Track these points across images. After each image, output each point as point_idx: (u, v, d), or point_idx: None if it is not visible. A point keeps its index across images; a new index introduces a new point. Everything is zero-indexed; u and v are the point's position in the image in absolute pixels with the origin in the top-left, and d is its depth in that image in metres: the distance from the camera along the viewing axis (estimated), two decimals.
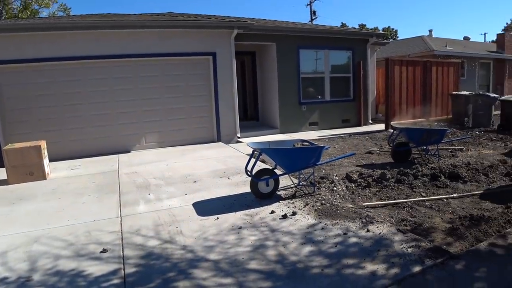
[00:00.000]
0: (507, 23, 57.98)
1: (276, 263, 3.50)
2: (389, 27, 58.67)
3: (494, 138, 10.54)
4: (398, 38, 49.16)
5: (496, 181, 6.32)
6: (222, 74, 10.31)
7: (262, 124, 13.01)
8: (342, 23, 56.36)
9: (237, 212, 4.87)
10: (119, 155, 9.10)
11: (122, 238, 4.18)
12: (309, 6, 39.22)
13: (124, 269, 3.48)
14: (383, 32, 17.47)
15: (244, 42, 10.98)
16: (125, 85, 9.49)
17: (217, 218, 4.66)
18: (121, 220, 4.76)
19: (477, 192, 5.68)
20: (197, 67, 10.20)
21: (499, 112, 12.63)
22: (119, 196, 5.79)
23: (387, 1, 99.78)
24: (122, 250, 3.86)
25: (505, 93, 20.06)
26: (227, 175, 6.82)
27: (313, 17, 38.35)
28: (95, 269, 3.50)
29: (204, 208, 5.09)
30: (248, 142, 5.97)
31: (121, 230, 4.43)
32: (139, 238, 4.18)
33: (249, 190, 5.51)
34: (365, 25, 54.65)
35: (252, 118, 13.49)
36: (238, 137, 10.74)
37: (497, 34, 24.71)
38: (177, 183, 6.43)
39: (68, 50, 8.86)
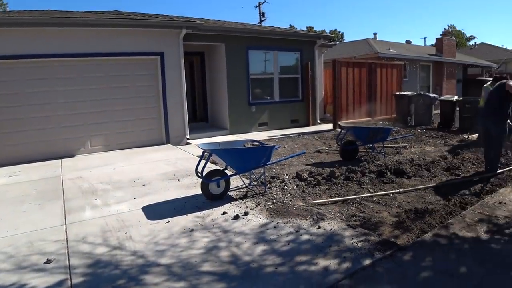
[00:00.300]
0: (444, 29, 61.63)
1: (230, 264, 3.49)
2: (336, 29, 60.53)
3: (434, 136, 11.16)
4: (345, 41, 50.68)
5: (437, 176, 6.69)
6: (171, 75, 10.12)
7: (211, 125, 12.93)
8: (290, 25, 57.41)
9: (188, 215, 4.80)
10: (62, 160, 8.66)
11: (67, 247, 3.97)
12: (258, 8, 39.57)
13: (70, 280, 3.31)
14: (330, 35, 17.96)
15: (193, 42, 10.85)
16: (69, 85, 9.03)
17: (168, 222, 4.57)
18: (66, 228, 4.51)
19: (421, 187, 5.99)
20: (145, 67, 9.93)
21: (439, 111, 13.39)
22: (63, 203, 5.50)
23: (334, 5, 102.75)
24: (68, 260, 3.67)
25: (444, 94, 21.26)
26: (177, 178, 6.71)
27: (262, 19, 38.80)
28: (39, 281, 3.30)
29: (154, 211, 4.97)
30: (198, 143, 5.90)
31: (66, 238, 4.21)
32: (86, 246, 4.00)
33: (200, 192, 5.45)
34: (313, 28, 55.86)
35: (201, 119, 13.36)
36: (188, 139, 10.59)
37: (436, 39, 26.20)
38: (125, 187, 6.23)
39: (5, 48, 8.30)
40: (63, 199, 5.71)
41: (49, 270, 3.48)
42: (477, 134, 9.97)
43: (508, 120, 6.60)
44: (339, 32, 60.76)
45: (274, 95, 13.06)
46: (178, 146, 9.95)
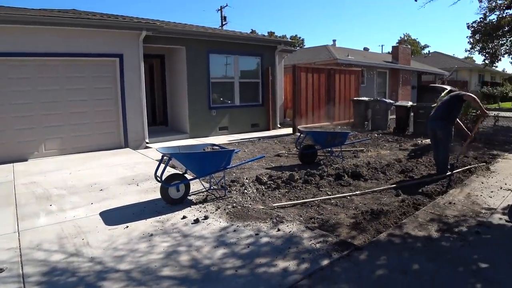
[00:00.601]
0: (400, 37, 64.18)
1: (190, 268, 3.48)
2: (296, 35, 61.51)
3: (390, 140, 11.57)
4: (305, 46, 51.60)
5: (393, 178, 6.96)
6: (130, 77, 9.92)
7: (171, 129, 12.78)
8: (252, 29, 57.66)
9: (147, 219, 4.73)
10: (14, 164, 8.25)
11: (21, 255, 3.80)
12: (219, 11, 39.53)
13: None
14: (290, 40, 18.25)
15: (153, 44, 10.70)
16: (22, 86, 8.61)
17: (127, 227, 4.49)
18: (19, 236, 4.31)
19: (377, 189, 6.20)
20: (103, 69, 9.67)
21: (395, 116, 13.91)
22: (16, 209, 5.25)
23: (296, 11, 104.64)
24: (22, 268, 3.51)
25: (399, 99, 22.12)
26: (135, 182, 6.59)
27: (224, 23, 38.70)
28: None
29: (113, 217, 4.86)
30: (157, 147, 5.83)
31: (20, 246, 4.02)
32: (41, 253, 3.84)
33: (160, 196, 5.39)
34: (274, 33, 56.58)
35: (161, 123, 13.18)
36: (147, 143, 10.42)
37: (392, 47, 27.26)
38: (82, 192, 6.04)
39: None
40: (16, 205, 5.45)
41: (1, 280, 3.33)
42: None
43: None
44: (300, 38, 61.83)
45: (234, 99, 13.09)
46: (137, 150, 9.76)
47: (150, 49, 10.87)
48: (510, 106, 25.21)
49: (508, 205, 5.23)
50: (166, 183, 5.21)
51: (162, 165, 5.40)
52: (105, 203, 5.41)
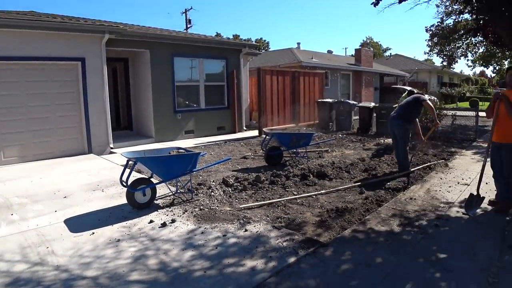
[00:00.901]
0: (363, 40, 65.78)
1: (159, 271, 3.47)
2: (261, 38, 61.79)
3: (354, 140, 11.86)
4: (270, 49, 52.02)
5: (357, 177, 7.16)
6: (92, 82, 9.70)
7: (136, 133, 12.58)
8: (217, 32, 57.69)
9: (114, 225, 4.67)
10: None
11: None
12: (184, 14, 39.24)
13: None
14: (255, 43, 18.34)
15: (117, 48, 10.51)
16: None
17: (93, 233, 4.41)
18: None
19: (341, 187, 6.36)
20: (65, 73, 9.39)
21: (358, 117, 14.27)
22: None
23: (261, 14, 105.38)
24: None
25: (362, 100, 22.67)
26: (101, 188, 6.46)
27: (189, 26, 38.47)
28: None
29: (78, 224, 4.75)
30: (122, 152, 5.75)
31: None
32: (3, 264, 3.71)
33: (126, 202, 5.32)
34: (239, 36, 56.59)
35: (125, 127, 12.95)
36: (111, 148, 10.23)
37: (355, 49, 27.88)
38: (44, 200, 5.86)
39: None
40: None
41: None
42: None
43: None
44: (265, 40, 62.21)
45: (200, 103, 13.04)
46: (102, 156, 9.55)
47: (113, 52, 10.68)
48: (467, 106, 26.33)
49: (465, 199, 5.48)
50: (132, 188, 5.16)
51: (128, 170, 5.34)
52: (70, 210, 5.27)
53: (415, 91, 7.74)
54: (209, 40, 13.62)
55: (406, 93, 7.55)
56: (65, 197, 5.97)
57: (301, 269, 3.53)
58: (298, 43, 28.91)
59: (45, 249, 4.01)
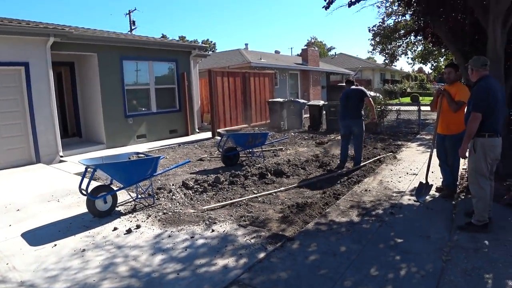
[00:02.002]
0: (308, 40, 67.32)
1: (131, 278, 3.45)
2: (208, 39, 61.50)
3: (306, 137, 12.20)
4: (217, 51, 51.86)
5: (313, 173, 7.40)
6: (38, 87, 9.24)
7: (86, 140, 12.17)
8: (162, 34, 56.69)
9: (76, 235, 4.54)
10: None
11: None
12: (128, 16, 38.22)
13: None
14: (204, 45, 18.29)
15: (62, 51, 10.08)
16: None
17: (55, 245, 4.26)
18: None
19: (299, 184, 6.56)
20: (7, 79, 8.84)
21: (308, 115, 14.66)
22: None
23: (205, 15, 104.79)
24: None
25: (311, 99, 23.27)
26: (56, 198, 6.22)
27: (133, 27, 37.51)
28: None
29: (37, 237, 4.57)
30: (79, 159, 5.60)
31: None
32: None
33: (85, 211, 5.20)
34: (185, 37, 56.00)
35: (74, 134, 12.47)
36: (61, 156, 9.83)
37: (302, 49, 28.53)
38: None
39: None
40: None
41: None
42: None
43: None
44: (211, 42, 61.99)
45: (151, 106, 12.84)
46: (52, 165, 9.16)
47: (58, 56, 10.24)
48: (409, 101, 27.79)
49: (415, 187, 5.90)
50: (92, 196, 5.04)
51: (87, 178, 5.21)
52: (26, 223, 5.04)
53: (354, 81, 8.10)
54: (159, 43, 13.43)
55: (345, 84, 7.86)
56: (18, 210, 5.68)
57: (272, 263, 3.66)
58: (246, 44, 29.09)
59: (5, 266, 3.82)
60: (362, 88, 7.92)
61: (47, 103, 9.47)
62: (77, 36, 10.25)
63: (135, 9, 60.76)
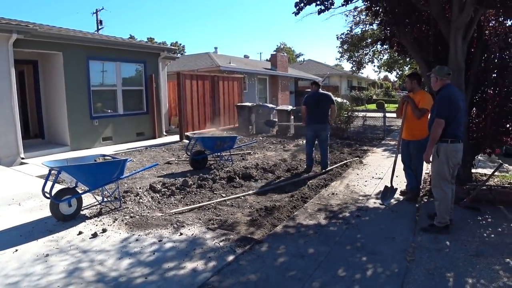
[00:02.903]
0: (277, 45, 67.95)
1: (97, 283, 3.37)
2: (177, 42, 61.00)
3: (274, 142, 12.29)
4: (186, 53, 51.53)
5: (281, 177, 7.46)
6: None
7: (49, 141, 11.77)
8: (130, 35, 55.83)
9: (39, 240, 4.38)
10: None
11: None
12: (95, 15, 37.34)
13: None
14: (173, 47, 18.11)
15: (25, 49, 9.71)
16: None
17: (16, 250, 4.09)
18: None
19: (268, 187, 6.60)
20: None
21: (276, 120, 14.76)
22: None
23: (175, 17, 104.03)
24: None
25: (279, 104, 23.45)
26: (16, 202, 5.97)
27: (100, 27, 36.66)
28: None
29: None
30: (43, 161, 5.42)
31: None
32: None
33: (49, 214, 5.04)
34: (153, 39, 55.29)
35: (36, 135, 12.04)
36: (22, 158, 9.47)
37: (271, 54, 28.73)
38: None
39: None
40: None
41: None
42: None
43: None
44: (181, 44, 61.55)
45: (118, 108, 12.58)
46: (12, 167, 8.79)
47: (20, 54, 9.87)
48: (375, 107, 28.53)
49: (380, 191, 6.07)
50: (56, 199, 4.89)
51: (51, 180, 5.05)
52: None
53: (320, 84, 8.32)
54: (127, 43, 13.19)
55: (312, 87, 7.98)
56: None
57: (241, 265, 3.67)
58: (216, 48, 28.99)
59: None
60: (329, 93, 8.10)
61: (7, 102, 9.12)
62: (42, 34, 9.92)
63: (103, 8, 59.54)
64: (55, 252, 4.04)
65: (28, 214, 5.33)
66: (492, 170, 6.25)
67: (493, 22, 6.31)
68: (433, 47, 6.46)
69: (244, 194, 6.24)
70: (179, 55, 30.08)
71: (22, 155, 9.50)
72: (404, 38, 6.43)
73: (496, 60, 6.04)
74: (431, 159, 4.57)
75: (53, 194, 4.93)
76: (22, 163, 9.27)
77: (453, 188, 4.66)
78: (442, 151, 4.44)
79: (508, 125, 6.11)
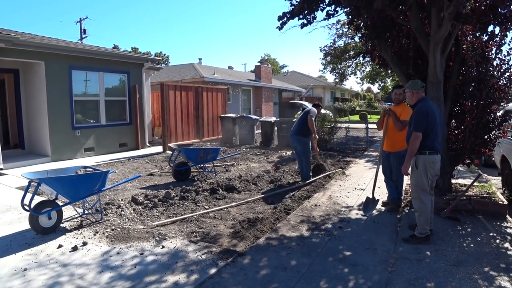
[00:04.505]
0: (261, 57, 68.50)
1: None
2: (161, 52, 60.92)
3: (258, 153, 12.29)
4: (170, 64, 51.45)
5: (264, 188, 7.47)
6: None
7: (29, 152, 11.56)
8: (114, 44, 55.48)
9: (17, 254, 4.29)
10: None
11: None
12: (79, 24, 36.99)
13: None
14: (157, 58, 18.06)
15: (5, 58, 9.57)
16: None
17: None
18: None
19: (251, 199, 6.61)
20: None
21: (260, 131, 14.82)
22: None
23: (159, 28, 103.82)
24: None
25: (263, 115, 23.54)
26: None
27: (84, 36, 36.32)
28: None
29: None
30: (22, 173, 5.32)
31: None
32: None
33: (27, 227, 4.96)
34: (137, 49, 55.00)
35: (16, 146, 11.80)
36: (1, 169, 9.28)
37: (255, 66, 28.89)
38: None
39: None
40: None
41: None
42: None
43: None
44: (165, 54, 61.43)
45: (100, 119, 12.46)
46: None
47: (1, 62, 9.74)
48: (358, 119, 28.86)
49: (362, 202, 6.13)
50: (35, 211, 4.80)
51: (30, 192, 4.96)
52: None
53: (308, 105, 8.46)
54: (111, 53, 13.12)
55: (300, 111, 8.20)
56: None
57: (223, 278, 3.65)
58: (200, 59, 29.09)
59: None
60: (308, 111, 8.15)
61: None
62: (23, 43, 9.80)
63: (87, 18, 59.03)
64: (34, 266, 3.96)
65: (6, 227, 5.21)
66: (471, 181, 6.38)
67: (471, 37, 6.50)
68: (413, 61, 6.62)
69: (227, 206, 6.22)
70: (163, 65, 30.08)
71: (1, 166, 9.30)
72: (384, 51, 6.57)
73: (473, 74, 6.20)
74: (409, 171, 4.65)
75: (32, 206, 4.83)
76: (1, 174, 9.07)
77: (432, 199, 4.75)
78: (421, 163, 4.53)
79: (486, 137, 6.26)
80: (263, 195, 6.88)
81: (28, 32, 12.15)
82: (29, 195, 5.03)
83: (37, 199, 5.66)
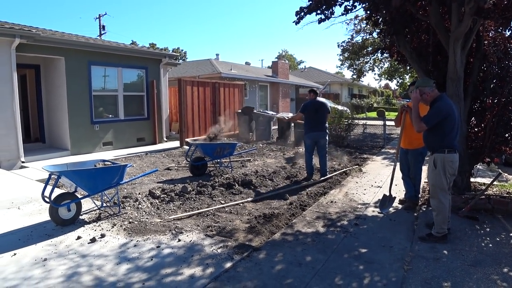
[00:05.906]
0: (279, 53, 68.30)
1: (95, 287, 3.38)
2: (178, 48, 61.25)
3: (274, 149, 12.29)
4: (188, 59, 51.69)
5: (280, 184, 7.47)
6: (0, 89, 8.95)
7: (50, 146, 11.82)
8: (132, 40, 55.98)
9: (37, 244, 4.40)
10: None
11: None
12: (98, 20, 37.53)
13: None
14: (175, 54, 18.17)
15: (28, 53, 9.78)
16: None
17: (15, 254, 4.11)
18: None
19: (267, 194, 6.61)
20: None
21: (277, 127, 14.80)
22: None
23: (177, 23, 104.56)
24: None
25: (280, 111, 23.50)
26: (16, 205, 6.00)
27: (102, 32, 36.79)
28: None
29: None
30: (43, 166, 5.44)
31: None
32: None
33: (48, 219, 5.06)
34: (155, 44, 55.51)
35: (37, 139, 12.09)
36: (23, 162, 9.50)
37: (272, 61, 28.84)
38: None
39: None
40: None
41: None
42: None
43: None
44: (182, 50, 61.79)
45: (119, 113, 12.63)
46: (12, 171, 8.83)
47: (23, 58, 9.94)
48: (375, 115, 28.59)
49: (379, 199, 6.07)
50: (55, 203, 4.90)
51: (50, 184, 5.07)
52: None
53: (318, 92, 8.35)
54: (129, 49, 13.26)
55: (311, 92, 8.00)
56: None
57: (238, 273, 3.68)
58: (217, 54, 29.14)
59: None
60: (326, 101, 8.16)
61: (9, 106, 9.17)
62: (44, 39, 10.00)
63: (106, 14, 59.64)
64: (54, 257, 4.05)
65: (27, 218, 5.35)
66: (491, 180, 6.26)
67: (492, 32, 6.36)
68: (432, 57, 6.51)
69: (243, 201, 6.25)
70: (180, 61, 30.24)
71: (23, 159, 9.53)
72: (403, 47, 6.48)
73: (495, 70, 6.07)
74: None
75: (52, 198, 4.94)
76: (22, 167, 9.30)
77: (450, 198, 4.68)
78: (439, 162, 4.46)
79: (507, 135, 6.13)
80: (279, 191, 6.88)
81: (48, 28, 12.37)
82: (49, 188, 5.14)
83: (57, 191, 5.80)
